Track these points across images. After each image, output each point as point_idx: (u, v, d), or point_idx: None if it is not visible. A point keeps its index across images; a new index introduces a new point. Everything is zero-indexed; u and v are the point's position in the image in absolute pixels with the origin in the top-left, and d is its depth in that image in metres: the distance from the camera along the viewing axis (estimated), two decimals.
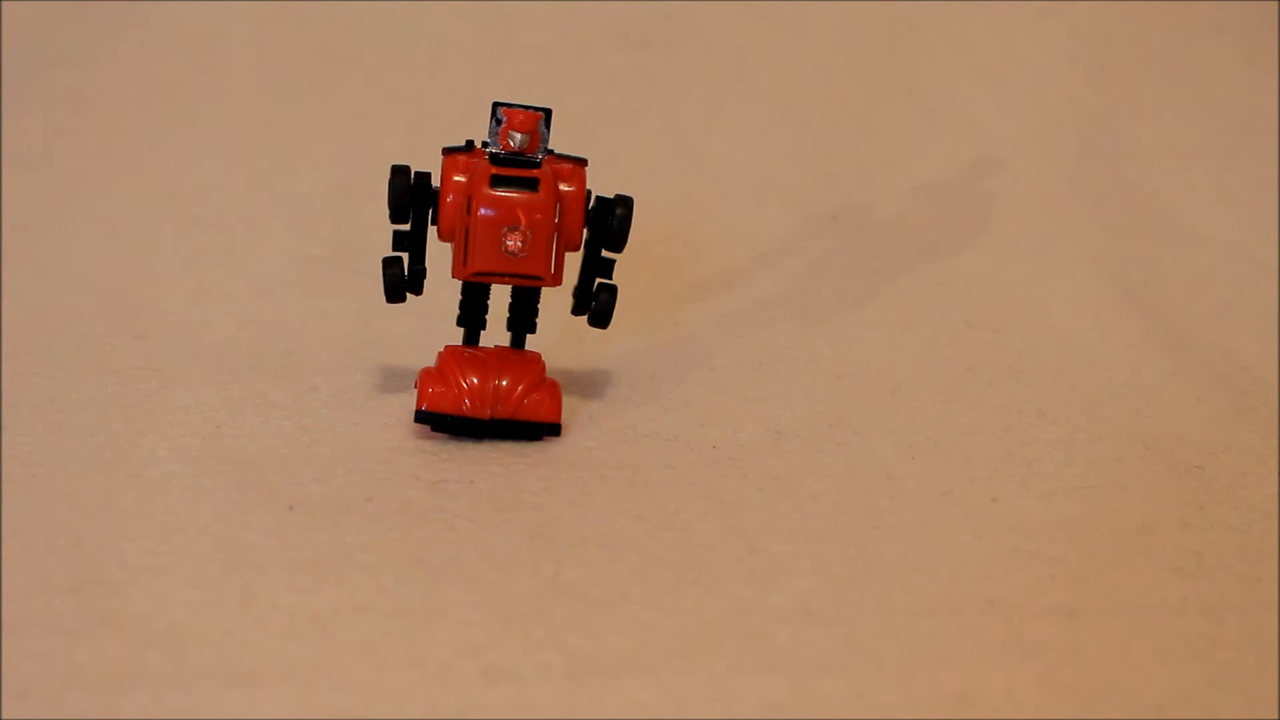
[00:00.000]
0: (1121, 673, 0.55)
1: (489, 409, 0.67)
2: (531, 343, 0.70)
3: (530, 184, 0.65)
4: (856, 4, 1.04)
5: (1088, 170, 0.97)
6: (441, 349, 0.69)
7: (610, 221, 0.68)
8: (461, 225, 0.66)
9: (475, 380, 0.67)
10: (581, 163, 0.67)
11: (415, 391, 0.68)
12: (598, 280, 0.69)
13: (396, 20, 1.00)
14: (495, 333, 0.70)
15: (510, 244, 0.65)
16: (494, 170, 0.65)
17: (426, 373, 0.68)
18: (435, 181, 0.67)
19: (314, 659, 0.53)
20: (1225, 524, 0.66)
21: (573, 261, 0.69)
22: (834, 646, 0.55)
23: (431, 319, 0.75)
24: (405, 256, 0.68)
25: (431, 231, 0.67)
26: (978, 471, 0.69)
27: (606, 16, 1.02)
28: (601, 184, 0.68)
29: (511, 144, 0.65)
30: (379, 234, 0.70)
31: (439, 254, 0.69)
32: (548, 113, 0.66)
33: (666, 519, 0.63)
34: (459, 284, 0.69)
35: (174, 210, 0.87)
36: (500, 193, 0.65)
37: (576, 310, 0.70)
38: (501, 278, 0.67)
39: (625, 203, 0.68)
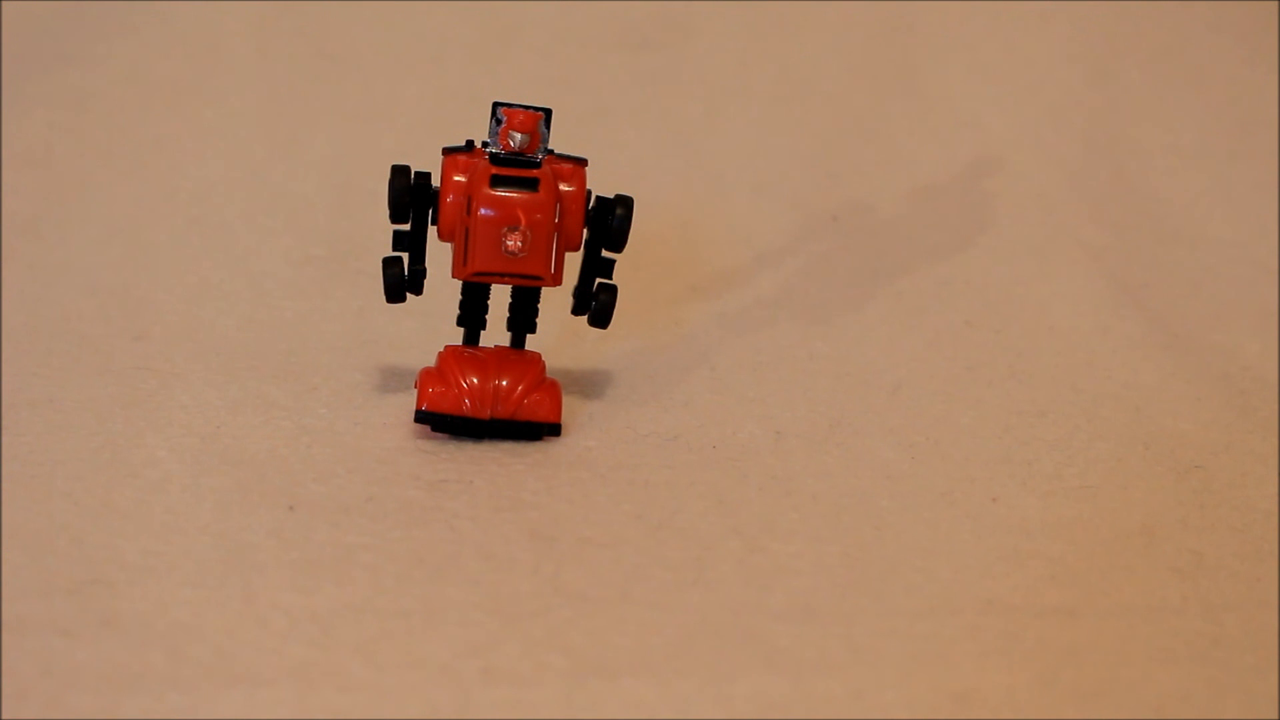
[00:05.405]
0: (1121, 673, 0.55)
1: (489, 409, 0.67)
2: (531, 343, 0.70)
3: (530, 184, 0.65)
4: (856, 4, 1.04)
5: (1088, 170, 0.97)
6: (441, 349, 0.69)
7: (610, 221, 0.68)
8: (461, 225, 0.66)
9: (475, 380, 0.67)
10: (581, 163, 0.67)
11: (415, 391, 0.68)
12: (598, 280, 0.69)
13: (396, 20, 1.00)
14: (495, 333, 0.70)
15: (510, 244, 0.65)
16: (494, 170, 0.65)
17: (426, 373, 0.68)
18: (435, 181, 0.67)
19: (314, 659, 0.53)
20: (1225, 524, 0.66)
21: (573, 261, 0.69)
22: (834, 646, 0.55)
23: (431, 319, 0.75)
24: (405, 256, 0.68)
25: (431, 231, 0.67)
26: (978, 471, 0.69)
27: (606, 16, 1.02)
28: (601, 184, 0.68)
29: (511, 144, 0.65)
30: (379, 234, 0.70)
31: (439, 254, 0.69)
32: (548, 113, 0.66)
33: (666, 519, 0.63)
34: (459, 284, 0.69)
35: (174, 210, 0.87)
36: (500, 193, 0.65)
37: (576, 310, 0.70)
38: (501, 278, 0.67)
39: (625, 203, 0.68)
